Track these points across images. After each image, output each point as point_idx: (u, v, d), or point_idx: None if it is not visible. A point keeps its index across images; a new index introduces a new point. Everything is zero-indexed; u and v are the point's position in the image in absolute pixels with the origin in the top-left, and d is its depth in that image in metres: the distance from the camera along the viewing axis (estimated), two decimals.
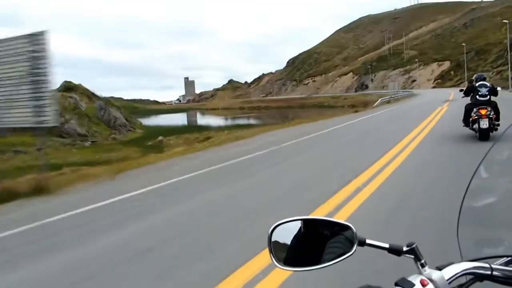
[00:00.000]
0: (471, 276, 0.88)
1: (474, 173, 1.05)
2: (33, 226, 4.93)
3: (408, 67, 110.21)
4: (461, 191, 1.03)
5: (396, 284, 0.80)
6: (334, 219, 0.93)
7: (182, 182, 7.13)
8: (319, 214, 4.38)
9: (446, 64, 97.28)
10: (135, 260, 3.65)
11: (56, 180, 7.38)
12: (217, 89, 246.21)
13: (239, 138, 13.47)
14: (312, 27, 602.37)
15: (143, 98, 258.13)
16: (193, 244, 3.99)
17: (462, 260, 0.90)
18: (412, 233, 3.72)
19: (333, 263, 0.87)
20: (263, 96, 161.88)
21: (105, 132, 31.02)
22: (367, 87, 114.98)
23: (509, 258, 0.96)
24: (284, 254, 0.92)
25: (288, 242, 0.92)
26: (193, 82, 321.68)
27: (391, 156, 7.76)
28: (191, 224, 4.75)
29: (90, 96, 42.46)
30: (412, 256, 0.87)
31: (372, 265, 2.66)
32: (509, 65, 49.02)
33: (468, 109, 9.67)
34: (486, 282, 0.88)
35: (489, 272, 0.86)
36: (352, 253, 0.88)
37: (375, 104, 31.91)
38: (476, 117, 9.21)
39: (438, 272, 0.83)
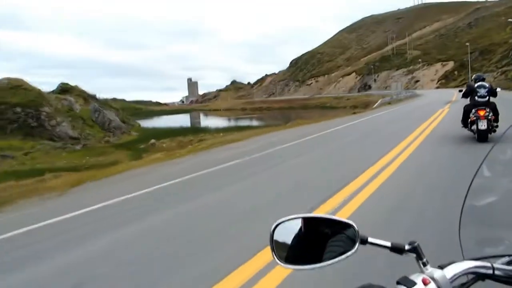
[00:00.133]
0: (473, 275, 0.88)
1: (476, 172, 1.06)
2: None
3: (411, 67, 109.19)
4: (460, 192, 1.04)
5: (398, 283, 0.81)
6: (336, 217, 0.93)
7: (141, 197, 6.16)
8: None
9: (450, 64, 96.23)
10: None
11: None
12: (220, 90, 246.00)
13: (229, 142, 12.77)
14: (314, 27, 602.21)
15: (145, 99, 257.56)
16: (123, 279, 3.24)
17: (464, 259, 0.90)
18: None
19: (335, 262, 0.88)
20: (266, 97, 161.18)
21: (99, 135, 30.33)
22: (370, 87, 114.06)
23: (511, 258, 0.96)
24: (285, 252, 0.92)
25: (290, 240, 0.92)
26: (196, 83, 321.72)
27: (388, 160, 7.39)
28: (126, 260, 3.77)
29: (87, 97, 41.88)
30: (414, 255, 0.87)
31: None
32: None
33: (466, 110, 9.58)
34: (488, 281, 0.89)
35: (491, 271, 0.87)
36: (354, 252, 0.88)
37: (375, 105, 30.99)
38: (475, 118, 9.14)
39: (440, 271, 0.84)
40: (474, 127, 9.26)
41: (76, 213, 5.45)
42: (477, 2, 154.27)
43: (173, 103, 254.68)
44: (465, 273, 0.86)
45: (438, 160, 7.39)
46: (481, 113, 9.07)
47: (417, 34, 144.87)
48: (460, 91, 10.75)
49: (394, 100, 38.36)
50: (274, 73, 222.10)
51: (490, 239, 1.08)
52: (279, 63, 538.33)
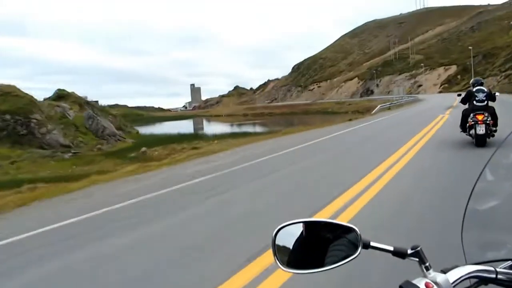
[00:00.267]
0: (475, 280, 0.88)
1: (479, 176, 1.05)
2: None
3: (414, 71, 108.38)
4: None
5: (400, 287, 0.81)
6: (338, 221, 0.93)
7: (57, 231, 5.04)
8: None
9: (453, 69, 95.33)
10: None
11: None
12: (223, 96, 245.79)
13: (212, 152, 12.02)
14: (318, 31, 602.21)
15: (148, 105, 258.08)
16: None
17: (466, 263, 0.91)
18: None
19: (338, 266, 0.88)
20: (268, 102, 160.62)
21: (92, 142, 29.70)
22: (372, 92, 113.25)
23: None
24: (287, 256, 0.92)
25: (292, 244, 0.92)
26: (199, 88, 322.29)
27: (379, 174, 6.71)
28: None
29: (83, 104, 41.37)
30: (417, 259, 0.87)
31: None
32: None
33: (465, 115, 9.51)
34: (490, 286, 0.89)
35: (493, 276, 0.87)
36: (357, 256, 0.88)
37: (374, 112, 30.14)
38: (473, 122, 9.08)
39: (442, 275, 0.84)
40: (472, 131, 9.18)
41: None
42: (480, 6, 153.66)
43: (176, 109, 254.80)
44: (468, 277, 0.86)
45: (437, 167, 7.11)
46: (479, 117, 8.99)
47: (419, 39, 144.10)
48: (459, 95, 10.70)
49: (395, 105, 37.42)
50: (277, 79, 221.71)
51: (492, 243, 1.07)
52: (283, 68, 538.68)
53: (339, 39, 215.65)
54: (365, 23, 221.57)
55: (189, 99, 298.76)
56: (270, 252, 1.02)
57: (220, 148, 13.63)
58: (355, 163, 8.17)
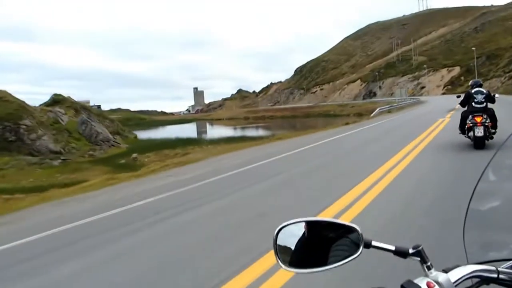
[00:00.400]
0: (477, 279, 0.88)
1: (481, 176, 1.06)
2: None
3: (417, 73, 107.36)
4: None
5: (402, 287, 0.81)
6: (340, 220, 0.93)
7: None
8: None
9: (456, 70, 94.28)
10: None
11: None
12: (226, 99, 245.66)
13: (187, 162, 11.28)
14: (322, 34, 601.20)
15: (151, 109, 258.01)
16: None
17: (468, 263, 0.90)
18: None
19: (339, 265, 0.88)
20: (271, 105, 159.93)
21: (84, 148, 29.03)
22: (375, 94, 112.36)
23: None
24: (289, 255, 0.92)
25: (293, 243, 0.92)
26: (202, 92, 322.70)
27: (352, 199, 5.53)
28: None
29: (79, 109, 40.79)
30: (418, 259, 0.87)
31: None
32: None
33: (464, 116, 9.41)
34: (492, 285, 0.89)
35: (495, 275, 0.87)
36: (358, 255, 0.89)
37: (372, 115, 29.22)
38: (471, 124, 9.02)
39: (444, 274, 0.84)
40: (471, 133, 9.11)
41: None
42: (483, 6, 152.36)
43: (180, 112, 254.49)
44: (470, 277, 0.86)
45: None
46: (478, 119, 8.91)
47: (422, 40, 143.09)
48: (458, 96, 10.49)
49: (395, 108, 36.47)
50: (280, 82, 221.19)
51: (494, 243, 1.08)
52: (287, 71, 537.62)
53: (341, 41, 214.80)
54: (368, 25, 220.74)
55: (193, 103, 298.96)
56: None
57: (197, 157, 12.90)
58: (331, 181, 7.10)
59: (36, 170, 21.68)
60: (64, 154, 26.55)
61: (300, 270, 0.91)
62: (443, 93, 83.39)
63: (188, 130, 67.30)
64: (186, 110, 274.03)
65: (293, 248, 0.91)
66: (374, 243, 0.88)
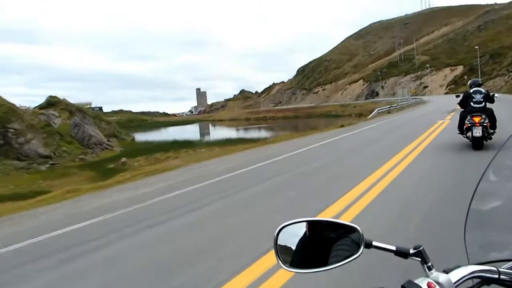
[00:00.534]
0: (478, 280, 0.88)
1: (481, 177, 1.05)
2: None
3: (419, 72, 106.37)
4: None
5: (403, 287, 0.81)
6: (340, 220, 0.93)
7: None
8: None
9: (460, 69, 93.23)
10: None
11: None
12: (228, 100, 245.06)
13: (164, 170, 10.48)
14: (324, 34, 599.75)
15: (157, 110, 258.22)
16: None
17: (469, 264, 0.90)
18: None
19: (339, 265, 0.88)
20: (273, 106, 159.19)
21: (76, 152, 28.34)
22: (377, 94, 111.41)
23: None
24: (289, 255, 0.92)
25: (294, 243, 0.92)
26: (204, 93, 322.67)
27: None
28: None
29: (73, 111, 40.11)
30: (419, 259, 0.87)
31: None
32: None
33: (462, 117, 9.29)
34: (493, 286, 0.88)
35: (496, 276, 0.87)
36: (359, 255, 0.89)
37: (370, 116, 28.32)
38: (470, 124, 8.91)
39: (445, 275, 0.84)
40: (469, 134, 8.99)
41: None
42: (487, 5, 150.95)
43: (182, 113, 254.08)
44: (470, 277, 0.86)
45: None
46: (476, 119, 8.80)
47: (425, 39, 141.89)
48: (457, 96, 10.28)
49: (395, 108, 35.52)
50: (283, 82, 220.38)
51: (495, 244, 1.07)
52: (289, 71, 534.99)
53: (344, 41, 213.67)
54: (370, 24, 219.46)
55: (195, 104, 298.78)
56: None
57: (177, 164, 12.17)
58: (308, 195, 6.26)
59: (23, 175, 21.04)
60: (54, 158, 25.88)
61: (301, 270, 0.90)
62: (446, 93, 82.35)
63: (189, 132, 66.74)
64: (189, 111, 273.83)
65: (293, 248, 0.91)
66: (375, 243, 0.88)
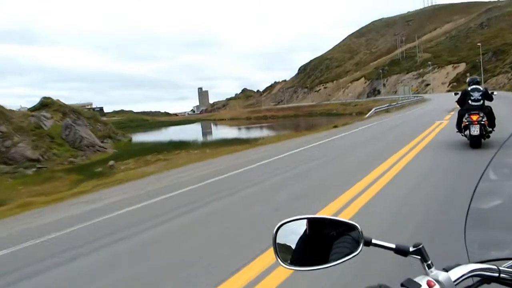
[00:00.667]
0: (478, 278, 0.88)
1: (481, 175, 1.05)
2: None
3: (421, 70, 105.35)
4: None
5: (402, 285, 0.81)
6: (340, 218, 0.92)
7: None
8: None
9: (462, 66, 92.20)
10: None
11: None
12: (229, 99, 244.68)
13: (131, 178, 9.75)
14: (326, 32, 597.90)
15: (156, 110, 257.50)
16: None
17: (469, 262, 0.90)
18: None
19: (338, 263, 0.88)
20: (274, 105, 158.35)
21: (66, 154, 27.63)
22: (379, 92, 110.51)
23: None
24: (288, 253, 0.92)
25: (293, 241, 0.92)
26: (206, 92, 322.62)
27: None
28: None
29: (67, 112, 39.45)
30: (419, 257, 0.86)
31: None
32: None
33: (460, 115, 9.22)
34: (493, 285, 0.88)
35: (496, 274, 0.86)
36: (358, 253, 0.88)
37: (367, 115, 27.45)
38: (467, 123, 8.82)
39: (444, 273, 0.83)
40: (467, 132, 8.92)
41: None
42: (489, 2, 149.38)
43: (184, 113, 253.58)
44: (470, 275, 0.85)
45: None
46: (474, 117, 8.71)
47: (427, 37, 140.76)
48: (456, 94, 10.09)
49: (394, 107, 34.62)
50: (285, 80, 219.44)
51: (495, 242, 1.08)
52: (291, 70, 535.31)
53: (345, 38, 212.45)
54: (372, 22, 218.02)
55: (198, 103, 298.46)
56: None
57: (151, 170, 11.44)
58: (273, 213, 5.36)
59: (7, 181, 20.34)
60: (43, 161, 25.18)
61: (300, 268, 0.90)
62: (448, 91, 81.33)
63: (188, 132, 66.02)
64: (191, 110, 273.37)
65: (293, 245, 0.90)
66: (374, 241, 0.87)
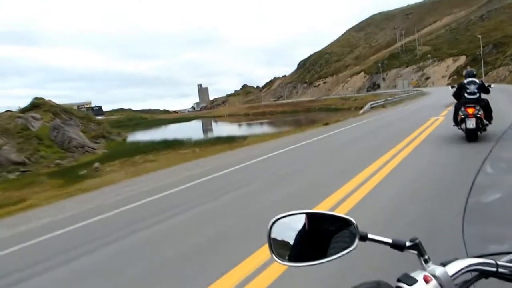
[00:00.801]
0: (476, 273, 0.87)
1: (479, 169, 1.05)
2: None
3: (421, 63, 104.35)
4: None
5: (398, 280, 0.80)
6: (335, 213, 0.91)
7: None
8: None
9: (462, 59, 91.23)
10: None
11: None
12: (229, 95, 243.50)
13: (90, 188, 9.04)
14: (326, 27, 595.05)
15: (156, 107, 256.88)
16: None
17: (467, 257, 0.90)
18: None
19: (334, 259, 0.86)
20: (274, 100, 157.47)
21: (54, 156, 26.86)
22: (379, 86, 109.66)
23: None
24: (285, 249, 0.91)
25: (287, 236, 0.91)
26: (206, 88, 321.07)
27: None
28: None
29: (59, 112, 38.69)
30: (415, 252, 0.86)
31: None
32: None
33: (457, 108, 9.21)
34: (491, 279, 0.87)
35: (494, 269, 0.86)
36: (354, 248, 0.87)
37: (362, 111, 26.56)
38: (463, 116, 8.80)
39: (442, 268, 0.82)
40: (463, 125, 8.87)
41: None
42: None
43: (185, 110, 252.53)
44: (468, 270, 0.84)
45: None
46: (470, 111, 8.69)
47: (427, 30, 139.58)
48: (453, 87, 10.05)
49: (390, 102, 33.73)
50: (284, 76, 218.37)
51: (494, 236, 1.07)
52: (291, 66, 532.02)
53: (345, 33, 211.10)
54: (372, 15, 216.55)
55: (198, 100, 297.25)
56: None
57: (117, 177, 10.70)
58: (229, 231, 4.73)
59: None
60: (29, 164, 24.42)
61: (296, 263, 0.88)
62: (448, 84, 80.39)
63: (188, 129, 65.20)
64: (191, 107, 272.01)
65: (289, 241, 0.88)
66: (370, 235, 0.86)
